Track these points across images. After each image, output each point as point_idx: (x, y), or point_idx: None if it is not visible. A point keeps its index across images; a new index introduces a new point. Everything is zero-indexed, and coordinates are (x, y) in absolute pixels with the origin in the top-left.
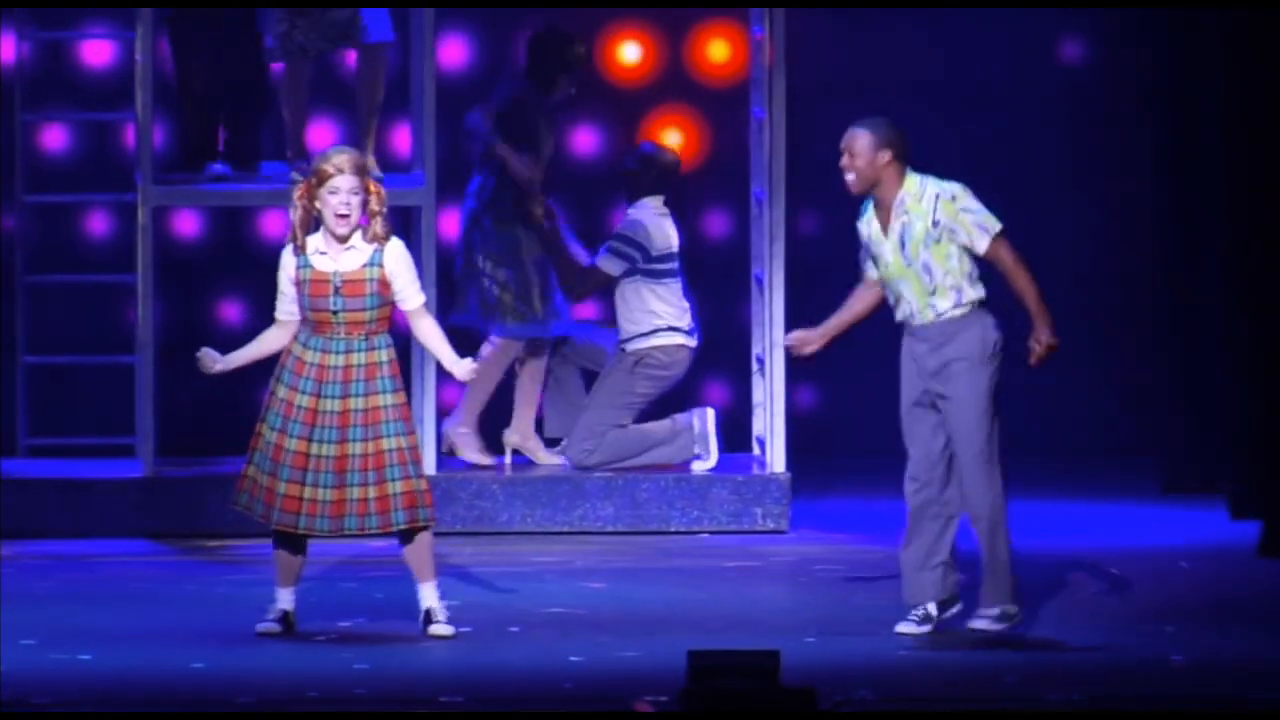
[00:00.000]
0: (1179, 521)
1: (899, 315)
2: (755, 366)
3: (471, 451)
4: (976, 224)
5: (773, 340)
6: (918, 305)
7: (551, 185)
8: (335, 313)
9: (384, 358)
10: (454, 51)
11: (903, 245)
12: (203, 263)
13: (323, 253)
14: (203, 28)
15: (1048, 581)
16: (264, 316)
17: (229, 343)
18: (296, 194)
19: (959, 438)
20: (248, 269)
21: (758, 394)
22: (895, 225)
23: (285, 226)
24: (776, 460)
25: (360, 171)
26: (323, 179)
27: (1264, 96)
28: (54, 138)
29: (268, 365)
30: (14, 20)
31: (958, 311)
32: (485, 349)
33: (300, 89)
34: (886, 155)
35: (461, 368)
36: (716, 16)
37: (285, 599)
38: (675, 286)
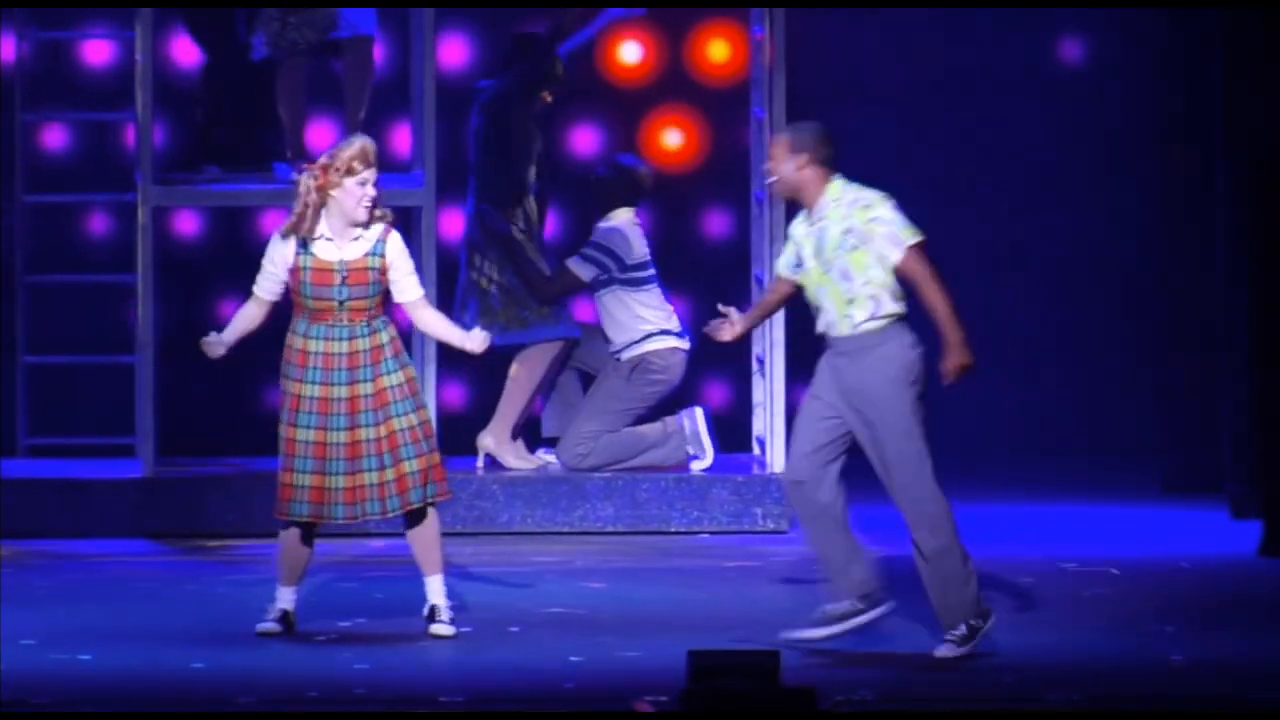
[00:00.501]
0: (1180, 522)
1: (819, 326)
2: (755, 366)
3: (512, 458)
4: (888, 234)
5: (773, 340)
6: (836, 314)
7: (550, 185)
8: (341, 302)
9: (385, 339)
10: (454, 51)
11: (820, 250)
12: (203, 263)
13: (328, 239)
14: (204, 28)
15: (1048, 582)
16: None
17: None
18: (313, 182)
19: (892, 462)
20: (248, 269)
21: (758, 394)
22: (814, 230)
23: (288, 216)
24: (776, 460)
25: (377, 160)
26: (353, 170)
27: (1265, 95)
28: (54, 138)
29: (269, 364)
30: (14, 20)
31: (875, 324)
32: (514, 369)
33: (297, 88)
34: (803, 159)
35: (474, 339)
36: (716, 16)
37: (286, 598)
38: (655, 291)
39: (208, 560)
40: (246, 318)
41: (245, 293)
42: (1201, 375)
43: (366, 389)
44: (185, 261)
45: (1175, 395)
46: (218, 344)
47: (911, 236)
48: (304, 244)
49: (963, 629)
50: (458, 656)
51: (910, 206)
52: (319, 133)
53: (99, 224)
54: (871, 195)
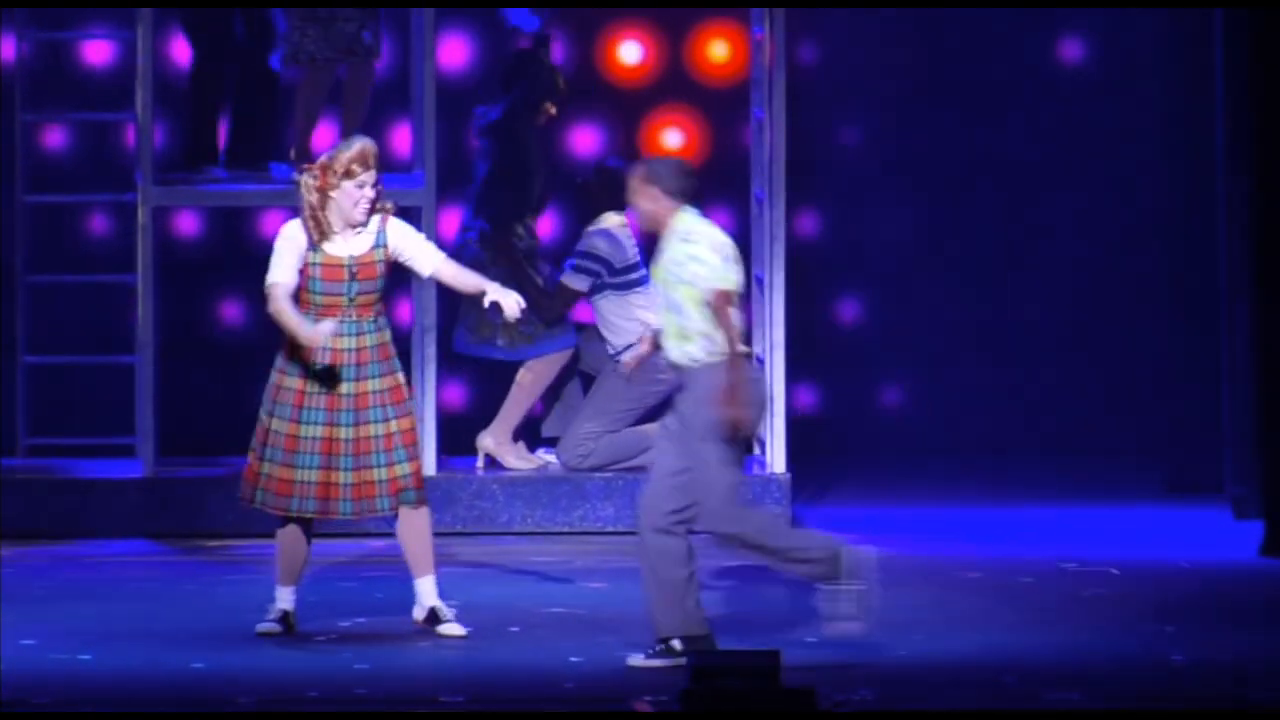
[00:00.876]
0: (1181, 522)
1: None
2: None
3: (512, 459)
4: (696, 274)
5: (773, 341)
6: (674, 348)
7: (550, 188)
8: (351, 298)
9: (389, 337)
10: (454, 51)
11: (660, 280)
12: (203, 263)
13: (337, 234)
14: (213, 29)
15: (1049, 582)
16: (264, 316)
17: (229, 343)
18: (313, 182)
19: (695, 463)
20: (248, 269)
21: None
22: (659, 261)
23: (292, 215)
24: (776, 460)
25: (378, 163)
26: (351, 173)
27: (1265, 95)
28: (54, 138)
29: (269, 364)
30: (14, 20)
31: (711, 359)
32: (522, 374)
33: (320, 93)
34: (654, 191)
35: (509, 297)
36: (716, 16)
37: (285, 598)
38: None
39: (208, 560)
40: (291, 303)
41: (245, 293)
42: (1202, 376)
43: (376, 385)
44: (185, 261)
45: (1176, 395)
46: (324, 331)
47: (720, 283)
48: (314, 242)
49: (840, 588)
50: (458, 656)
51: (910, 206)
52: (319, 133)
53: (99, 224)
54: (702, 232)
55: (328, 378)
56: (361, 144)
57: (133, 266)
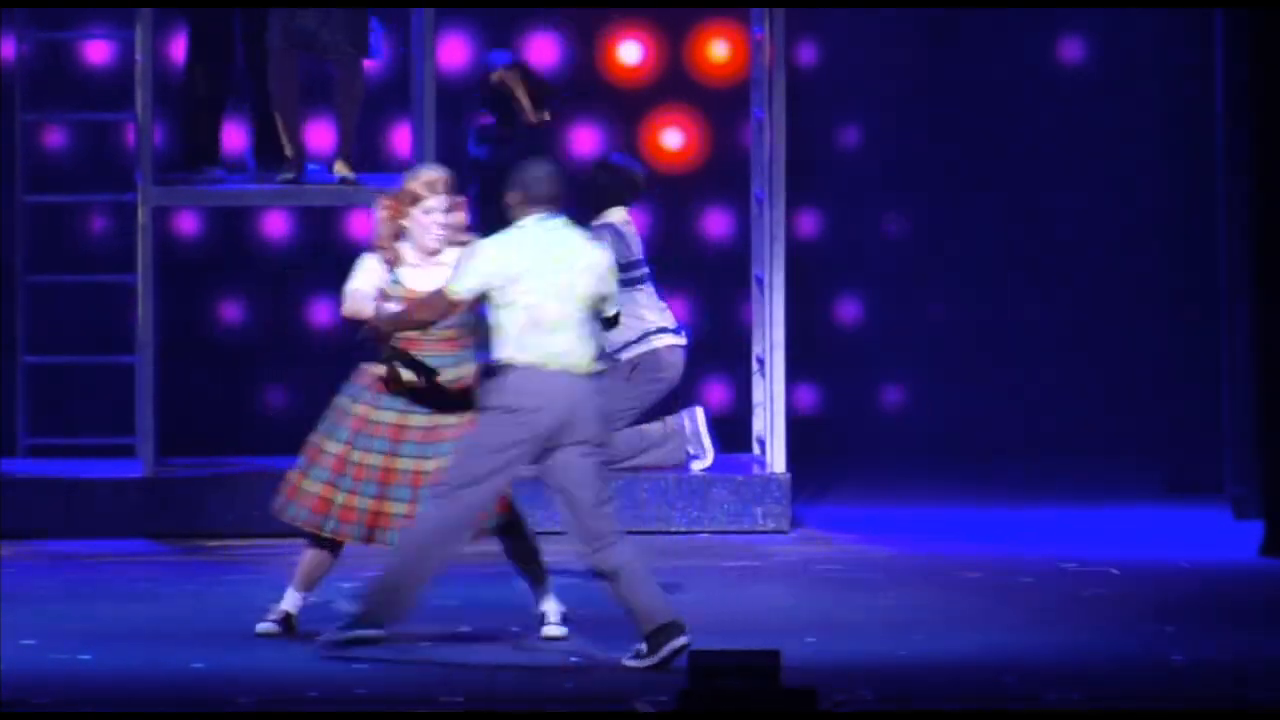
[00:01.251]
0: (1181, 522)
1: None
2: (755, 366)
3: None
4: None
5: (773, 341)
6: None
7: None
8: (428, 333)
9: (468, 371)
10: (454, 51)
11: None
12: (203, 263)
13: (414, 266)
14: (213, 28)
15: (1049, 582)
16: (264, 316)
17: (229, 343)
18: (385, 208)
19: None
20: (248, 269)
21: (758, 394)
22: None
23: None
24: (776, 460)
25: (450, 189)
26: (417, 199)
27: (1265, 96)
28: (54, 138)
29: (269, 364)
30: (14, 20)
31: (495, 363)
32: None
33: (287, 85)
34: (518, 197)
35: None
36: (716, 16)
37: (292, 601)
38: (650, 289)
39: (208, 560)
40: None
41: (245, 293)
42: (1202, 376)
43: (450, 419)
44: (185, 261)
45: (1176, 395)
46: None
47: (450, 284)
48: (391, 270)
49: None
50: (458, 656)
51: (910, 206)
52: (322, 133)
53: (99, 224)
54: (501, 235)
55: (427, 370)
56: (429, 172)
57: (133, 266)
